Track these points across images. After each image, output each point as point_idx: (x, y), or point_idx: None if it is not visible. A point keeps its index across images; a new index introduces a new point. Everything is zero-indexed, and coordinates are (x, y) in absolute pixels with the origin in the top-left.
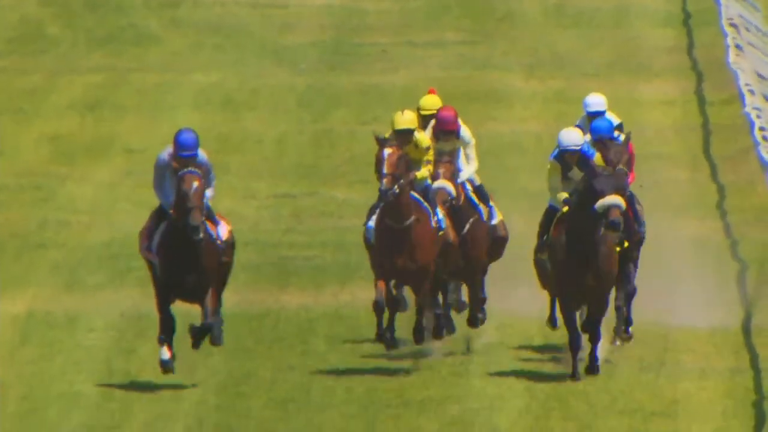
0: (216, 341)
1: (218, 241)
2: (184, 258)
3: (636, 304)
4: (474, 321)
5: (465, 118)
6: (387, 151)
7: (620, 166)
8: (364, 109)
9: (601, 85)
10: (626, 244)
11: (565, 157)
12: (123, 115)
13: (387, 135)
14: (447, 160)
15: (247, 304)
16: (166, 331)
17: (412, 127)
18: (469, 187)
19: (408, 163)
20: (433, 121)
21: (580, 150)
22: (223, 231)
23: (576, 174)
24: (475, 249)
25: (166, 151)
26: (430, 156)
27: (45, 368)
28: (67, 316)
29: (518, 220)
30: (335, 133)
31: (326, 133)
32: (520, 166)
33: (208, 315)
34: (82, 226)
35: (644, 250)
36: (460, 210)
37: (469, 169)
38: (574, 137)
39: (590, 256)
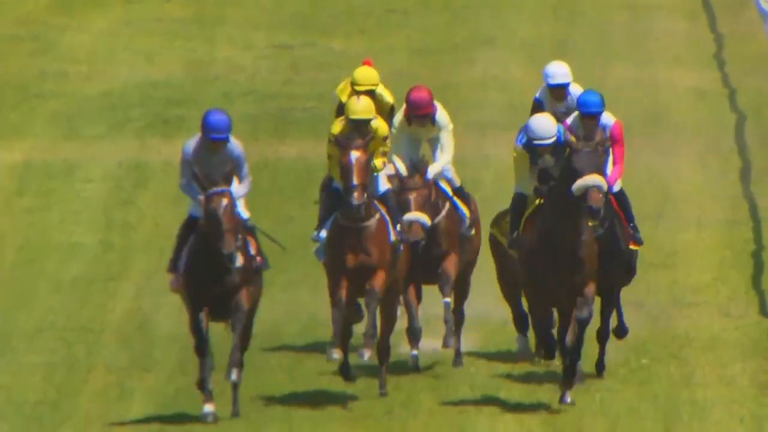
0: (230, 376)
1: (257, 258)
2: (215, 273)
3: (636, 156)
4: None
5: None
6: (354, 155)
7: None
8: None
9: None
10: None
11: (536, 149)
12: None
13: (335, 128)
14: (418, 185)
15: (246, 155)
16: (201, 351)
17: (369, 116)
18: (446, 187)
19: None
20: (404, 106)
21: (552, 144)
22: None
23: (547, 161)
24: (446, 241)
25: (192, 141)
26: (387, 147)
27: (43, 218)
28: (65, 165)
29: None
30: None
31: None
32: None
33: (235, 352)
34: (80, 76)
35: (642, 100)
36: (429, 202)
37: (443, 159)
38: (547, 128)
39: (568, 251)
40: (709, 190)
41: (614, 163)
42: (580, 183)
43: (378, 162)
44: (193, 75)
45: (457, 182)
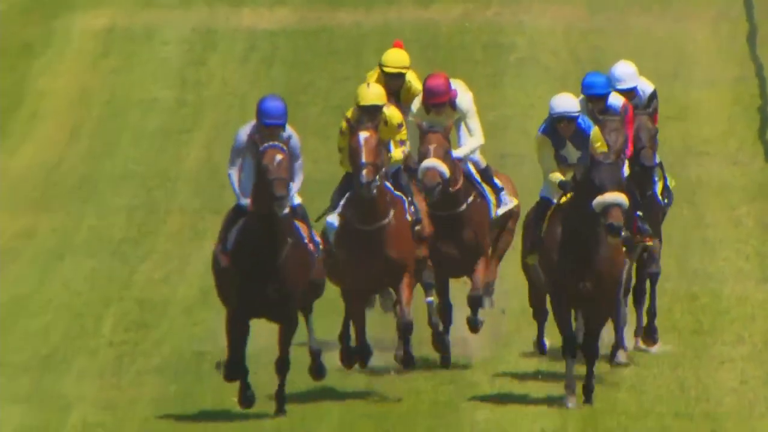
0: (316, 374)
1: (310, 246)
2: (262, 262)
3: (656, 22)
4: (474, 323)
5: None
6: (363, 135)
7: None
8: None
9: None
10: (649, 242)
11: (558, 128)
12: None
13: (349, 113)
14: (438, 131)
15: (305, 21)
16: (233, 371)
17: (380, 102)
18: (472, 168)
19: (385, 150)
20: (420, 94)
21: (576, 121)
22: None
23: (570, 152)
24: (472, 231)
25: (247, 127)
26: (403, 135)
27: (125, 77)
28: (144, 30)
29: None
30: None
31: None
32: None
33: (285, 349)
34: None
35: None
36: (457, 192)
37: (471, 143)
38: (569, 103)
39: (589, 257)
40: (720, 52)
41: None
42: (600, 200)
43: (397, 152)
44: None
45: (483, 163)
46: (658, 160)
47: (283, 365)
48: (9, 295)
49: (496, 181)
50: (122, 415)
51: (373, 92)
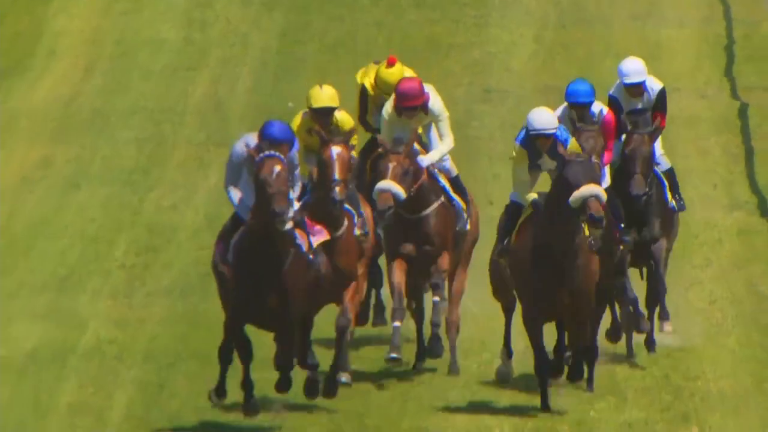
0: (309, 393)
1: (309, 255)
2: (263, 273)
3: None
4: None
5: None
6: (336, 150)
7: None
8: None
9: None
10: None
11: (536, 143)
12: None
13: (298, 118)
14: (399, 151)
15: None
16: (244, 358)
17: (333, 105)
18: (442, 178)
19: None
20: (393, 95)
21: (552, 137)
22: (320, 236)
23: (546, 163)
24: (438, 236)
25: (242, 141)
26: (354, 141)
27: (135, 18)
28: None
29: None
30: None
31: None
32: None
33: (282, 356)
34: None
35: None
36: (422, 192)
37: (441, 147)
38: (547, 119)
39: (564, 267)
40: None
41: (605, 150)
42: (577, 194)
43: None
44: None
45: (455, 172)
46: (668, 166)
47: (288, 362)
48: (29, 221)
49: (467, 192)
50: (133, 332)
51: (326, 94)
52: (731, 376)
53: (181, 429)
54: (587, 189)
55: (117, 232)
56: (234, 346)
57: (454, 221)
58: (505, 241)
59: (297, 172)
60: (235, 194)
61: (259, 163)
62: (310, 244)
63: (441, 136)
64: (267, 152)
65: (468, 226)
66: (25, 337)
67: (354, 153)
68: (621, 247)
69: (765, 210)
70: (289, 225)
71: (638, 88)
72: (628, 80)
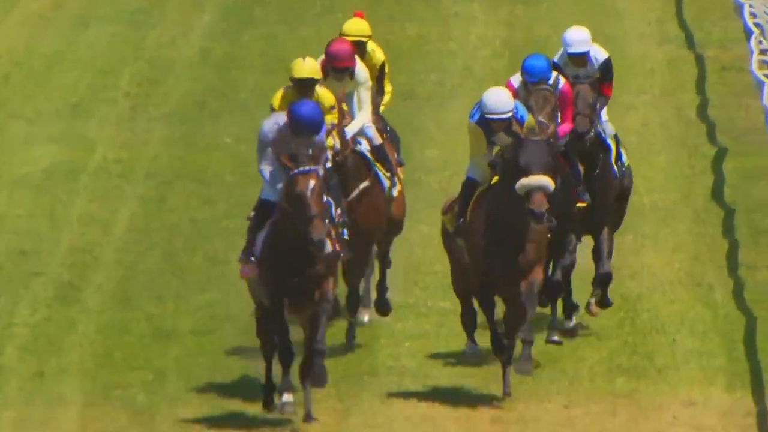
0: (317, 381)
1: (336, 246)
2: (297, 267)
3: None
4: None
5: None
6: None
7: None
8: None
9: None
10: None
11: (491, 124)
12: None
13: (279, 93)
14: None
15: None
16: (284, 360)
17: (315, 76)
18: (365, 144)
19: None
20: (322, 56)
21: (507, 121)
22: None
23: (502, 138)
24: (367, 218)
25: (274, 119)
26: (334, 117)
27: None
28: None
29: None
30: None
31: None
32: None
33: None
34: None
35: None
36: (347, 171)
37: (361, 116)
38: (502, 102)
39: (514, 243)
40: None
41: (563, 122)
42: (524, 182)
43: (328, 140)
44: None
45: (378, 140)
46: (613, 131)
47: (318, 351)
48: (44, 55)
49: (390, 159)
50: (136, 153)
51: (308, 65)
52: (661, 191)
53: (177, 237)
54: (535, 180)
55: (122, 65)
56: (271, 338)
57: (382, 198)
58: (461, 220)
59: (327, 154)
60: (268, 173)
61: (293, 179)
62: (337, 234)
63: (361, 103)
64: (301, 169)
65: (395, 193)
66: (42, 157)
67: (334, 132)
68: (579, 204)
69: (692, 43)
70: (328, 248)
71: (582, 59)
72: (571, 50)
